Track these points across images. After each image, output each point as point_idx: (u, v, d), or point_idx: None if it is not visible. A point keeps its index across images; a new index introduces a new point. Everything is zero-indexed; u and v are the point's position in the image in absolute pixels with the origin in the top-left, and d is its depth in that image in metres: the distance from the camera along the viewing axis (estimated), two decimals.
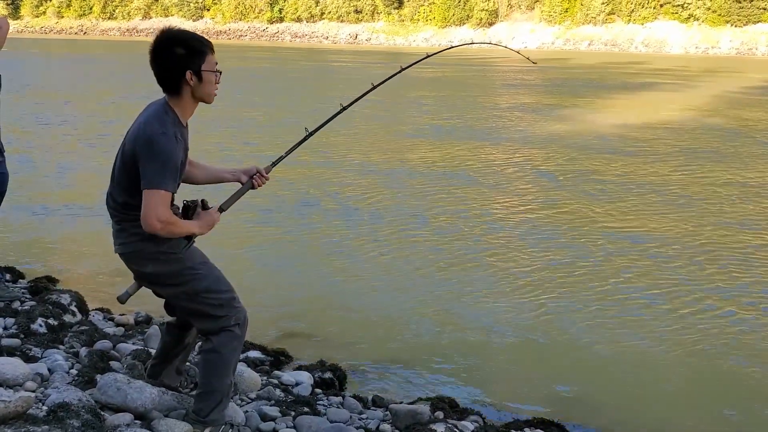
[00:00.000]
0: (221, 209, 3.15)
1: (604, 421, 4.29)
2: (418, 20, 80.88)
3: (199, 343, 3.65)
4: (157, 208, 2.80)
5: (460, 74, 35.00)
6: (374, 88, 3.73)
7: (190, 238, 3.02)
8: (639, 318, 5.78)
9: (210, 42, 3.00)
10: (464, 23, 77.65)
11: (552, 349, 5.23)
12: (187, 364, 3.59)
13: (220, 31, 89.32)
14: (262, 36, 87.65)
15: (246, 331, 3.17)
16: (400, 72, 3.79)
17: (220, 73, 3.01)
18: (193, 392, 3.34)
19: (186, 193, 3.16)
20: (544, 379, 4.80)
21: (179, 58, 2.89)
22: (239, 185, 3.27)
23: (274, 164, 3.38)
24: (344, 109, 3.60)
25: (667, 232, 8.20)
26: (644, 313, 5.87)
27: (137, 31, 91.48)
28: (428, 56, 3.95)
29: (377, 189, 10.28)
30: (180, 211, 3.05)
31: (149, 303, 4.18)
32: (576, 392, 4.64)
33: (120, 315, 5.23)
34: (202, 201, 3.11)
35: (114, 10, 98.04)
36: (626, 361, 5.08)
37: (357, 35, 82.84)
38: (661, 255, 7.37)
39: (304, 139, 3.45)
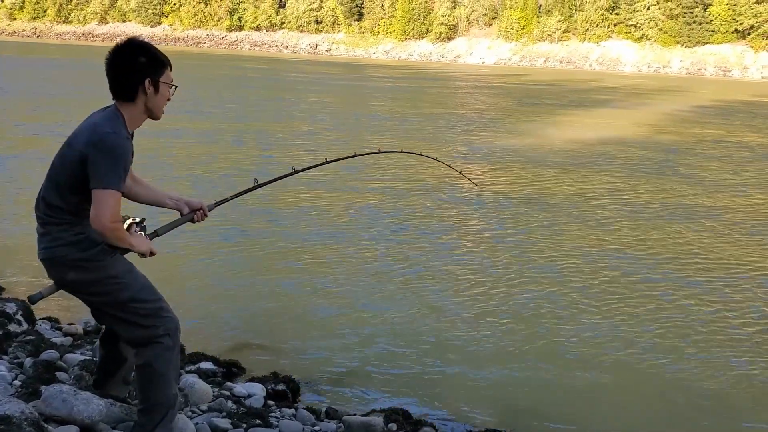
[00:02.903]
0: (157, 234, 3.15)
1: (549, 429, 4.35)
2: (378, 32, 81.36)
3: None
4: (111, 208, 2.78)
5: (420, 86, 35.27)
6: (327, 162, 4.03)
7: (115, 248, 2.98)
8: (590, 330, 5.87)
9: (169, 59, 3.06)
10: (423, 37, 78.39)
11: (504, 361, 5.28)
12: (134, 374, 3.51)
13: (179, 38, 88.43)
14: (221, 44, 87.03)
15: (179, 340, 3.10)
16: (324, 163, 4.11)
17: (176, 87, 3.08)
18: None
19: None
20: (496, 391, 4.83)
21: (141, 66, 2.94)
22: (178, 213, 3.31)
23: (217, 204, 3.46)
24: (295, 172, 3.80)
25: (621, 245, 8.37)
26: (597, 327, 5.96)
27: (93, 36, 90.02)
28: (355, 155, 4.37)
29: (335, 202, 10.27)
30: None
31: None
32: (527, 403, 4.69)
33: (68, 324, 5.11)
34: (142, 220, 3.10)
35: (69, 14, 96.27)
36: (577, 373, 5.15)
37: (317, 45, 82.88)
38: (619, 267, 7.51)
39: (251, 189, 3.60)
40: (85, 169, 2.81)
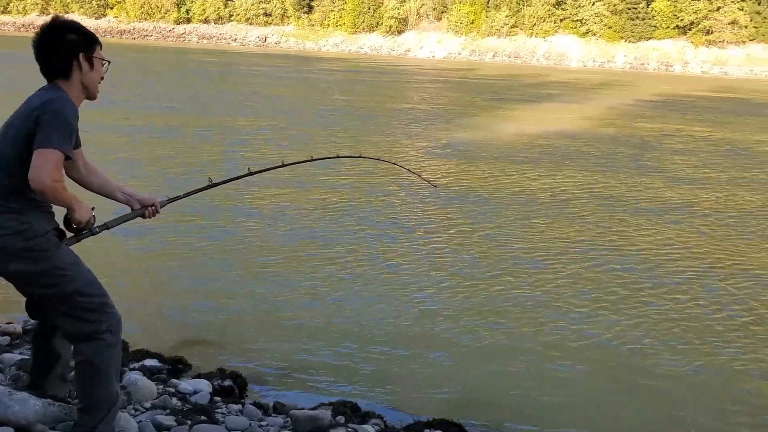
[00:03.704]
0: (107, 226, 3.11)
1: (502, 419, 4.41)
2: (329, 25, 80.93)
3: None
4: (51, 167, 2.69)
5: (377, 80, 35.22)
6: (283, 165, 3.99)
7: (61, 237, 2.91)
8: (538, 320, 5.96)
9: (97, 37, 3.05)
10: (374, 30, 78.25)
11: (452, 351, 5.33)
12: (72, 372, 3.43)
13: (124, 30, 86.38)
14: (168, 36, 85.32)
15: (121, 336, 3.05)
16: (280, 166, 4.01)
17: (109, 62, 3.07)
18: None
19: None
20: (443, 381, 4.87)
21: (72, 42, 2.93)
22: (128, 208, 3.28)
23: (170, 201, 3.44)
24: (251, 174, 3.77)
25: (596, 239, 8.53)
26: (542, 316, 6.06)
27: (34, 27, 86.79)
28: (313, 159, 4.33)
29: (297, 199, 10.20)
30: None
31: None
32: (475, 393, 4.74)
33: (6, 324, 4.95)
34: (92, 208, 3.03)
35: (8, 4, 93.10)
36: (525, 363, 5.23)
37: (266, 38, 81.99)
38: (595, 261, 7.65)
39: (205, 188, 3.58)
40: (31, 143, 2.73)
